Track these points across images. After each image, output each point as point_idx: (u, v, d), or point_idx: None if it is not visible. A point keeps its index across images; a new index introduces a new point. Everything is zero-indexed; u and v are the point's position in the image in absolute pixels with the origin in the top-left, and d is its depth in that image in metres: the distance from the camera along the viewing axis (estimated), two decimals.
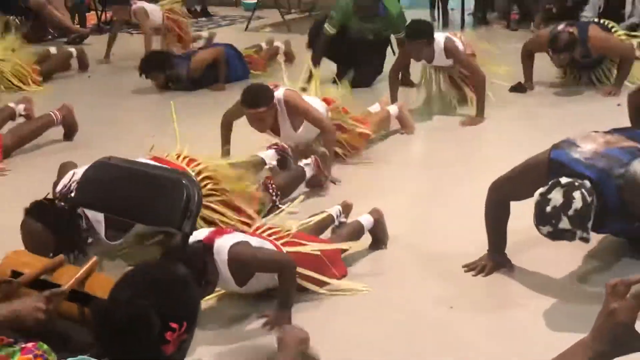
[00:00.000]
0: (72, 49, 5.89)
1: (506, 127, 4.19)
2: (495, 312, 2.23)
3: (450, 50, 4.11)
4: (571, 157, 2.17)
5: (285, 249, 2.24)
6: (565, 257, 2.42)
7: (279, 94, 3.27)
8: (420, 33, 4.04)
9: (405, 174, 3.51)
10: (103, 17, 7.54)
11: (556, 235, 2.07)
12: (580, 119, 3.90)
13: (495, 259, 2.44)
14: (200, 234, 2.08)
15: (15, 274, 1.77)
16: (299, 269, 2.17)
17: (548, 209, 2.03)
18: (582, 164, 2.13)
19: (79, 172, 2.36)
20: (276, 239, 2.29)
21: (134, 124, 4.79)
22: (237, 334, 2.12)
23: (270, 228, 2.39)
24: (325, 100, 3.58)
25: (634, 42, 4.76)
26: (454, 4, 7.63)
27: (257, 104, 3.16)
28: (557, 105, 4.56)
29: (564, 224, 2.02)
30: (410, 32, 4.16)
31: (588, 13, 6.24)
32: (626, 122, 2.99)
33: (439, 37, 4.14)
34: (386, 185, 3.37)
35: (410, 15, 4.96)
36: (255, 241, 2.19)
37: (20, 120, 4.05)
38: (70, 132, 4.08)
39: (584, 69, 4.74)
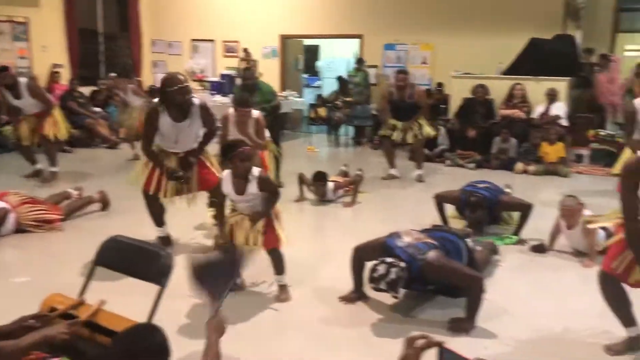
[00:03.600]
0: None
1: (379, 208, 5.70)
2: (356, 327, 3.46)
3: None
4: (396, 244, 3.53)
5: None
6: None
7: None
8: None
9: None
10: None
11: (377, 290, 3.38)
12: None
13: (357, 294, 3.77)
14: None
15: (52, 309, 2.78)
16: None
17: (375, 275, 3.34)
18: (400, 250, 3.47)
19: None
20: None
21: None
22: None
23: None
24: None
25: None
26: (342, 132, 10.31)
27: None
28: (413, 195, 6.19)
29: (382, 286, 3.32)
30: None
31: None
32: None
33: None
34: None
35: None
36: None
37: None
38: (104, 206, 5.71)
39: None
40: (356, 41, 11.78)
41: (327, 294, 3.86)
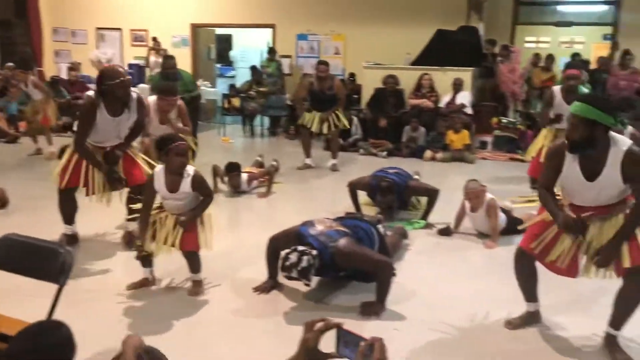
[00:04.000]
0: None
1: (294, 198, 5.71)
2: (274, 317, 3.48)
3: None
4: (308, 232, 3.58)
5: None
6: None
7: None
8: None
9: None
10: None
11: (289, 279, 3.42)
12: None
13: (271, 283, 3.79)
14: None
15: None
16: None
17: (287, 263, 3.37)
18: (312, 238, 3.52)
19: None
20: None
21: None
22: None
23: None
24: None
25: None
26: (257, 122, 10.32)
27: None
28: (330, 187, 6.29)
29: (294, 274, 3.36)
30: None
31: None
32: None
33: None
34: None
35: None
36: None
37: None
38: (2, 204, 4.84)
39: None
40: (269, 31, 11.73)
41: (241, 286, 3.85)
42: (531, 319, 3.32)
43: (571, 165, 2.86)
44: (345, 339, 1.28)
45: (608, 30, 11.12)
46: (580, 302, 3.68)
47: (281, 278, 3.68)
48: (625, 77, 8.97)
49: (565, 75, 5.90)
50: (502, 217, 4.83)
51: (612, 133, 2.79)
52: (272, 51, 10.99)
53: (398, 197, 5.29)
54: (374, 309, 3.48)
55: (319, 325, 1.31)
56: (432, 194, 5.25)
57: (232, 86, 11.41)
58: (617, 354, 2.98)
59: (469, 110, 8.87)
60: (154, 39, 11.33)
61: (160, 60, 10.57)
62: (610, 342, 3.03)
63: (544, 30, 12.79)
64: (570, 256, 3.01)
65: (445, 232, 4.99)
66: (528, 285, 3.26)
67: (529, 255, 3.12)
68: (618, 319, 2.98)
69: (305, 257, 3.34)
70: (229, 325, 3.37)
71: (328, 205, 5.61)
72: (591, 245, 2.94)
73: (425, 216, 5.23)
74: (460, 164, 8.10)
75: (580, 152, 2.81)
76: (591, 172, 2.81)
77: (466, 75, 9.08)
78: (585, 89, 5.72)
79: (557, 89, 5.81)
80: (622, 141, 2.77)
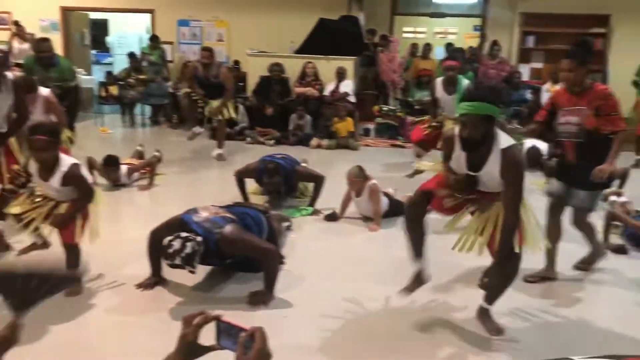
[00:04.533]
0: None
1: (178, 189, 5.53)
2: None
3: None
4: (192, 219, 3.48)
5: None
6: None
7: None
8: None
9: None
10: None
11: (173, 267, 3.30)
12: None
13: (154, 279, 3.65)
14: None
15: None
16: None
17: (170, 250, 3.26)
18: (196, 225, 3.43)
19: None
20: None
21: None
22: None
23: None
24: None
25: None
26: (137, 111, 9.91)
27: None
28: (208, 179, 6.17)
29: (178, 261, 3.25)
30: None
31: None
32: None
33: None
34: None
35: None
36: None
37: None
38: None
39: None
40: (148, 16, 11.25)
41: (123, 283, 3.68)
42: (420, 279, 3.30)
43: (460, 155, 2.98)
44: (226, 330, 1.25)
45: (478, 21, 11.85)
46: (463, 279, 3.90)
47: (166, 272, 3.56)
48: (494, 67, 9.63)
49: (444, 67, 6.20)
50: (384, 200, 5.01)
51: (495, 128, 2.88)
52: (154, 38, 10.53)
53: (286, 182, 5.29)
54: (262, 298, 3.47)
55: (198, 319, 1.27)
56: (318, 180, 5.32)
57: (109, 73, 10.81)
58: (488, 323, 3.21)
59: (352, 99, 9.08)
60: (16, 22, 10.40)
61: (25, 46, 9.78)
62: (483, 314, 3.25)
63: (421, 20, 13.40)
64: (456, 208, 3.14)
65: (332, 217, 5.08)
66: (416, 237, 3.20)
67: (424, 201, 3.11)
68: (491, 295, 3.18)
69: (189, 244, 3.24)
70: (110, 325, 3.21)
71: (214, 196, 5.50)
72: (475, 217, 3.11)
73: (312, 203, 5.30)
74: (345, 151, 8.29)
75: (473, 151, 2.89)
76: (475, 164, 2.94)
77: (349, 64, 9.27)
78: (465, 79, 6.04)
79: (438, 80, 6.10)
80: (503, 139, 2.86)
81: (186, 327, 1.27)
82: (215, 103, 7.18)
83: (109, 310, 3.36)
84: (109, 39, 14.05)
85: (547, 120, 3.77)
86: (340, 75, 9.07)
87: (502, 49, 9.93)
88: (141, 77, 10.02)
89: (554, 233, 3.82)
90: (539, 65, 10.61)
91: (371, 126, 9.45)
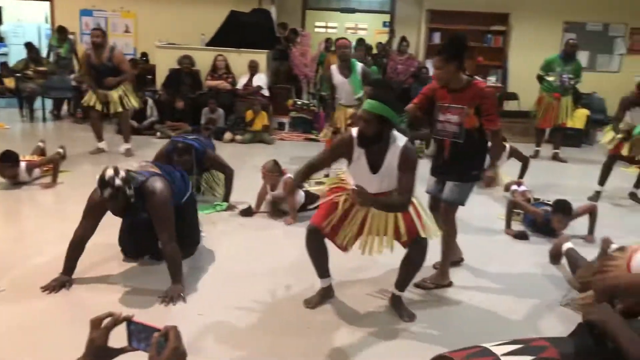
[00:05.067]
0: None
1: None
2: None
3: None
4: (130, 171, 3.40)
5: None
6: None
7: None
8: None
9: None
10: None
11: (110, 197, 3.18)
12: None
13: (64, 279, 3.45)
14: None
15: None
16: None
17: (106, 178, 3.15)
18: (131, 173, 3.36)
19: None
20: None
21: None
22: None
23: None
24: None
25: None
26: (37, 105, 9.40)
27: None
28: None
29: (118, 182, 3.15)
30: None
31: None
32: None
33: None
34: None
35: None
36: None
37: None
38: None
39: None
40: (46, 4, 10.61)
41: (29, 286, 3.43)
42: (327, 294, 3.47)
43: (360, 157, 3.08)
44: (138, 331, 1.19)
45: (388, 18, 12.15)
46: (366, 273, 3.97)
47: (76, 276, 3.37)
48: (403, 62, 9.90)
49: (337, 45, 6.20)
50: (300, 194, 5.02)
51: (394, 130, 3.04)
52: (62, 30, 9.81)
53: (197, 164, 5.13)
54: (173, 292, 3.36)
55: (106, 321, 1.20)
56: (227, 172, 5.22)
57: (4, 65, 10.08)
58: (402, 310, 3.32)
59: (266, 92, 9.03)
60: None
61: None
62: (396, 301, 3.35)
63: (332, 15, 13.55)
64: (354, 237, 3.25)
65: (247, 212, 5.03)
66: (320, 261, 3.37)
67: (320, 232, 3.25)
68: (402, 281, 3.31)
69: (121, 174, 3.23)
70: (14, 333, 3.00)
71: None
72: (373, 226, 3.19)
73: (226, 198, 5.21)
74: (260, 145, 8.23)
75: (368, 147, 3.02)
76: (375, 164, 3.06)
77: (261, 57, 9.21)
78: (359, 63, 6.10)
79: (334, 67, 6.12)
80: (400, 138, 3.04)
81: (94, 330, 1.21)
82: (114, 94, 6.84)
83: (11, 317, 3.13)
84: (3, 28, 13.13)
85: (423, 105, 3.66)
86: (253, 68, 9.00)
87: (410, 45, 10.23)
88: (40, 69, 9.43)
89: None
90: None
91: (285, 120, 9.45)
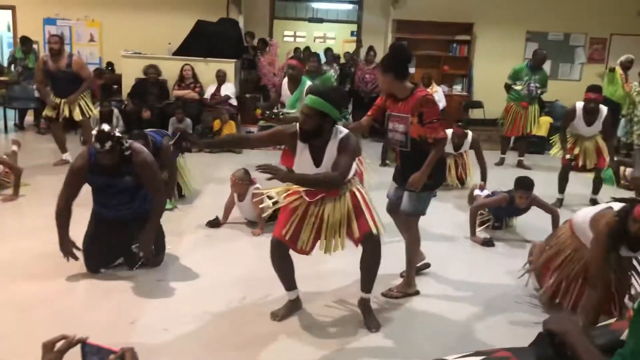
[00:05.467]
0: None
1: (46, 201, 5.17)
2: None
3: None
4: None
5: None
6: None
7: None
8: None
9: None
10: None
11: (103, 154, 3.57)
12: None
13: (67, 247, 3.68)
14: None
15: None
16: None
17: (102, 134, 3.51)
18: None
19: None
20: None
21: None
22: None
23: None
24: None
25: None
26: None
27: None
28: None
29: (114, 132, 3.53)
30: None
31: None
32: None
33: None
34: None
35: None
36: None
37: None
38: None
39: None
40: (8, 13, 10.39)
41: None
42: (294, 306, 3.46)
43: (303, 151, 3.14)
44: (92, 353, 1.17)
45: (355, 27, 12.24)
46: (334, 283, 3.97)
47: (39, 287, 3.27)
48: (370, 72, 9.97)
49: (287, 65, 6.05)
50: (269, 203, 4.99)
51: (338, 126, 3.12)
52: (26, 41, 9.44)
53: (156, 154, 5.03)
54: (143, 244, 3.70)
55: (59, 344, 1.17)
56: (172, 169, 5.20)
57: None
58: (369, 319, 3.33)
59: (234, 102, 8.99)
60: None
61: None
62: (364, 305, 3.36)
63: (301, 25, 13.59)
64: (313, 239, 3.25)
65: (214, 223, 4.98)
66: (286, 275, 3.37)
67: (282, 244, 3.24)
68: (365, 283, 3.31)
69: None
70: None
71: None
72: (328, 224, 3.18)
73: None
74: (229, 155, 8.17)
75: (309, 141, 3.09)
76: (318, 158, 3.11)
77: (229, 67, 9.17)
78: (309, 81, 5.97)
79: (284, 82, 6.03)
80: (343, 132, 3.12)
81: (46, 354, 1.18)
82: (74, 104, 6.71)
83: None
84: None
85: (377, 116, 3.73)
86: (221, 78, 8.95)
87: (378, 55, 10.32)
88: (2, 78, 9.21)
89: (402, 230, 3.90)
90: (411, 69, 11.15)
91: (254, 129, 9.40)
